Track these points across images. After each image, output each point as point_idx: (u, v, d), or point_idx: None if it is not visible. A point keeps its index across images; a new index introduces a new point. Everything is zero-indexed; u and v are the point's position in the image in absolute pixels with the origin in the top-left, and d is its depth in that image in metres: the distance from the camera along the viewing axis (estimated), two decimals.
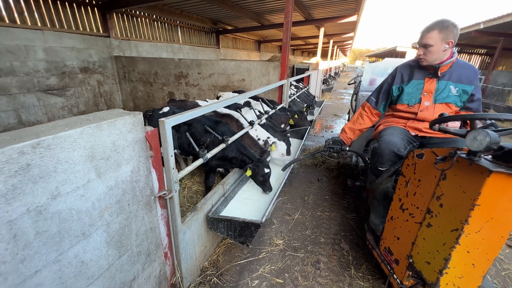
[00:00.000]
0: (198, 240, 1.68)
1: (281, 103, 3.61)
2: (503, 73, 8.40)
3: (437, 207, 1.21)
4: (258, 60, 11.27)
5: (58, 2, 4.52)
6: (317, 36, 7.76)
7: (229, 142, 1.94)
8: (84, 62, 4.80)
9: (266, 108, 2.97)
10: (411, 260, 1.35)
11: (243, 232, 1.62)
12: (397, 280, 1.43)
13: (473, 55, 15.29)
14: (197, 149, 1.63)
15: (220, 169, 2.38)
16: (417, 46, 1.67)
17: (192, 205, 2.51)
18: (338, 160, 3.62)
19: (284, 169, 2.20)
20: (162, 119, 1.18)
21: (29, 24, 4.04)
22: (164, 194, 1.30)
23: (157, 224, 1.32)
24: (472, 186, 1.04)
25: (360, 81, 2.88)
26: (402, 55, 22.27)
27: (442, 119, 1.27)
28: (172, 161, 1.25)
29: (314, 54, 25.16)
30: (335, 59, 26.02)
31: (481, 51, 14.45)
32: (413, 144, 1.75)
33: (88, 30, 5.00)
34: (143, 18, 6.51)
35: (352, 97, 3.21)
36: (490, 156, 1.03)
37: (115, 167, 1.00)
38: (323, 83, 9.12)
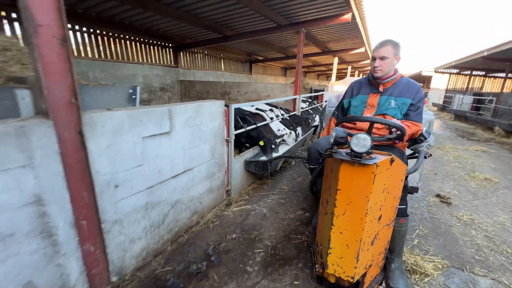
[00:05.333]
0: (239, 173, 3.19)
1: (294, 111, 5.15)
2: None
3: (328, 196, 1.37)
4: (283, 83, 13.15)
5: (151, 46, 6.92)
6: (338, 63, 9.41)
7: (258, 125, 3.51)
8: (162, 84, 7.03)
9: (283, 112, 4.53)
10: (320, 247, 1.47)
11: (263, 167, 3.10)
12: (316, 267, 1.49)
13: (497, 79, 15.37)
14: (241, 124, 3.22)
15: (247, 144, 3.89)
16: (372, 58, 1.85)
17: None
18: None
19: (270, 160, 3.02)
20: (231, 104, 2.80)
21: (136, 60, 6.38)
22: (228, 139, 2.87)
23: (224, 152, 2.88)
24: (336, 174, 1.23)
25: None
26: (428, 79, 22.58)
27: (341, 120, 1.66)
28: (233, 123, 2.84)
29: (337, 78, 26.67)
30: None
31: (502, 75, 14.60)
32: None
33: (166, 63, 7.33)
34: (199, 54, 8.87)
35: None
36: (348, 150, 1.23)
37: (215, 120, 2.61)
38: None
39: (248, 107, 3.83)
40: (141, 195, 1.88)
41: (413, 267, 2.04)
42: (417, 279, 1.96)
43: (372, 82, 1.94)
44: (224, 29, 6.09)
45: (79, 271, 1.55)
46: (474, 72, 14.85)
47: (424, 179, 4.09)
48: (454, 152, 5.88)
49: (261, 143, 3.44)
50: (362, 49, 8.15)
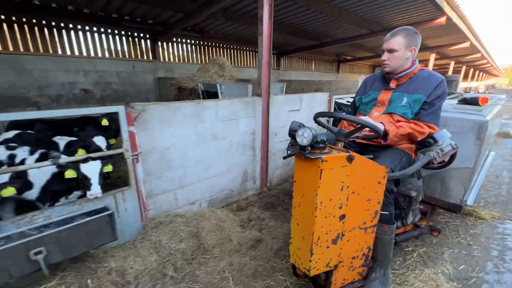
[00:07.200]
0: None
1: None
2: None
3: None
4: None
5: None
6: (438, 59, 9.03)
7: None
8: None
9: None
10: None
11: None
12: None
13: None
14: (338, 110, 4.44)
15: None
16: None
17: None
18: None
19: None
20: (332, 96, 4.08)
21: (250, 65, 8.61)
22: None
23: None
24: (294, 166, 1.29)
25: None
26: None
27: (317, 114, 1.60)
28: (333, 108, 4.11)
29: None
30: (475, 80, 23.23)
31: None
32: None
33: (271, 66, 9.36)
34: (295, 57, 10.52)
35: None
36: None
37: (322, 105, 3.92)
38: None
39: (342, 100, 5.01)
40: (283, 143, 3.44)
41: (470, 212, 2.78)
42: (471, 220, 2.72)
43: (386, 77, 1.74)
44: (321, 37, 7.31)
45: (258, 172, 3.23)
46: None
47: None
48: None
49: None
50: (466, 44, 7.67)
